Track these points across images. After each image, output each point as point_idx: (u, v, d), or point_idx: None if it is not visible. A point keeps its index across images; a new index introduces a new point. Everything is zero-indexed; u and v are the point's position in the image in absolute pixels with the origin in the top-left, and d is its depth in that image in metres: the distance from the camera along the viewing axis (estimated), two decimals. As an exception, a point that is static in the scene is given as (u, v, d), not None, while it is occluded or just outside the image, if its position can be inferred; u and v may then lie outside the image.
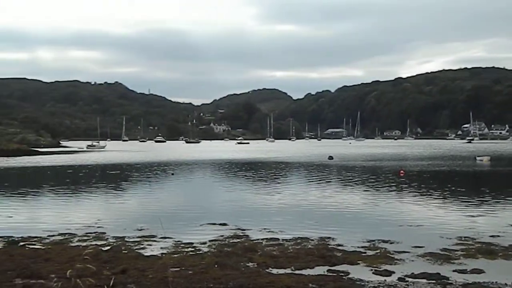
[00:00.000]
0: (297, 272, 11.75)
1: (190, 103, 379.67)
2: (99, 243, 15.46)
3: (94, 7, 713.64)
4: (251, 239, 15.92)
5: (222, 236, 16.34)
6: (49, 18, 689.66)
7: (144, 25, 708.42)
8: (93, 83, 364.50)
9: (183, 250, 14.30)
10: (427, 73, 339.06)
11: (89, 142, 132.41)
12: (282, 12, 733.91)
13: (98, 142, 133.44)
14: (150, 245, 15.14)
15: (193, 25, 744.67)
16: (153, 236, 16.28)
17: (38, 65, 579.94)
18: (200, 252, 14.05)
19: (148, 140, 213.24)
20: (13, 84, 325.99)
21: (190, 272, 11.44)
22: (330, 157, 69.27)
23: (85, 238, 16.33)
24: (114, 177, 43.74)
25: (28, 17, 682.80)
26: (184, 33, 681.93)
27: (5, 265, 12.18)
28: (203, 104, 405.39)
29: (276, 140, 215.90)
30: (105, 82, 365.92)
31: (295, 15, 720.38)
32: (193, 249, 14.36)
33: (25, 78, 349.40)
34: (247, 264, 12.49)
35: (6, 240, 16.02)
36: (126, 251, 14.16)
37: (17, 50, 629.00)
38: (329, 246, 14.67)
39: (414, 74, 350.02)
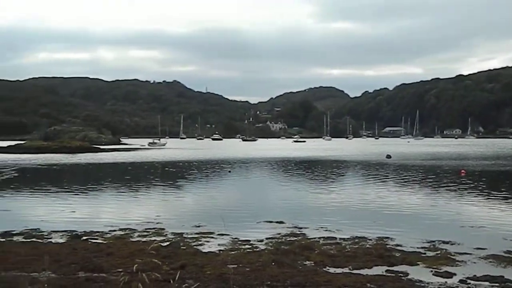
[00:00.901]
0: (355, 271, 11.65)
1: (247, 102, 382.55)
2: (158, 238, 15.76)
3: (153, 7, 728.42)
4: (308, 237, 15.88)
5: (279, 234, 16.36)
6: (110, 19, 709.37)
7: (202, 25, 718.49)
8: (152, 81, 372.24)
9: (240, 247, 14.41)
10: (489, 70, 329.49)
11: (150, 140, 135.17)
12: (339, 10, 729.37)
13: (159, 139, 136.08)
14: (208, 241, 15.31)
15: (250, 24, 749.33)
16: (211, 233, 16.46)
17: (100, 64, 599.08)
18: (257, 249, 14.11)
19: (205, 138, 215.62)
20: (75, 83, 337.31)
21: (247, 269, 11.50)
22: (388, 156, 68.24)
23: (145, 233, 16.68)
24: (173, 174, 44.48)
25: (90, 18, 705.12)
26: (241, 32, 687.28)
27: (69, 259, 12.58)
28: (259, 102, 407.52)
29: (332, 139, 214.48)
30: (164, 81, 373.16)
31: (351, 12, 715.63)
32: (250, 247, 14.44)
33: (87, 77, 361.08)
34: (304, 263, 12.47)
35: (69, 234, 16.54)
36: (184, 247, 14.37)
37: (79, 51, 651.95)
38: (388, 246, 14.46)
39: (476, 71, 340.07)
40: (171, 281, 5.07)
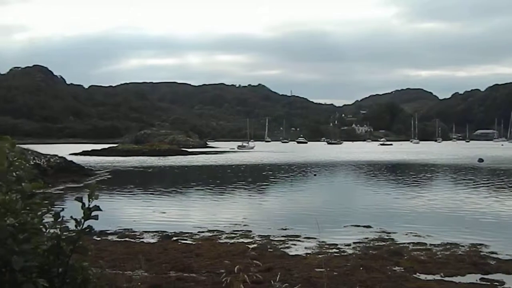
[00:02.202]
0: (447, 279, 11.31)
1: (332, 104, 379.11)
2: (245, 241, 15.94)
3: (239, 12, 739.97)
4: (397, 242, 15.54)
5: (366, 238, 16.12)
6: (198, 24, 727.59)
7: (287, 28, 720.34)
8: (237, 85, 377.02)
9: (327, 251, 14.31)
10: None
11: (239, 143, 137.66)
12: (426, 10, 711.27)
13: (247, 142, 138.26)
14: (295, 244, 15.32)
15: (335, 26, 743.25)
16: (297, 236, 16.44)
17: (187, 69, 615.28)
18: (345, 253, 13.98)
19: (290, 141, 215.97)
20: (164, 87, 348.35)
21: (335, 273, 11.40)
22: (480, 160, 65.61)
23: (232, 235, 16.89)
24: (260, 177, 44.85)
25: (179, 24, 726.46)
26: (326, 34, 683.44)
27: (160, 258, 12.98)
28: (344, 105, 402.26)
29: (420, 142, 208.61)
30: (249, 85, 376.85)
31: (440, 12, 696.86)
32: (337, 251, 14.33)
33: (175, 82, 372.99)
34: (394, 268, 12.21)
35: (160, 234, 17.04)
36: (271, 250, 14.46)
37: (168, 56, 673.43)
38: (481, 253, 13.91)
39: None
40: (272, 282, 5.11)
